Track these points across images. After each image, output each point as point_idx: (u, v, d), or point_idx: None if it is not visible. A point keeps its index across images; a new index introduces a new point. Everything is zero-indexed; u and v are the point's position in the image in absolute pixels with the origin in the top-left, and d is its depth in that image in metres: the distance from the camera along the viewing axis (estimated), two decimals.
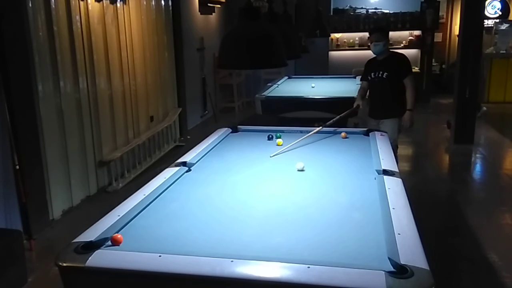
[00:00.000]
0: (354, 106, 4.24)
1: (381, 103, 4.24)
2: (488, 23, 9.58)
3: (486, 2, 9.36)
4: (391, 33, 5.40)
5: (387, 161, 2.70)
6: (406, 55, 4.26)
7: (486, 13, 9.17)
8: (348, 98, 4.70)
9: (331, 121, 3.66)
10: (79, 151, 4.45)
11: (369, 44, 4.29)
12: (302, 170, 2.68)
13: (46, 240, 3.72)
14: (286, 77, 7.12)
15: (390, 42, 6.14)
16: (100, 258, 1.62)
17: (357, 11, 9.80)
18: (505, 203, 4.40)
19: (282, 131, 3.53)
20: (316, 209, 2.12)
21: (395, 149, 3.78)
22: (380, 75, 4.16)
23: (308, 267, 1.48)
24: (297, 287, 1.44)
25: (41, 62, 3.87)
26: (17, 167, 3.49)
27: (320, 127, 3.52)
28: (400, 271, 1.47)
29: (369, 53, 4.41)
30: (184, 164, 2.77)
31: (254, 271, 1.50)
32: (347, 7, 9.89)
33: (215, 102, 8.31)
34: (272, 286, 1.48)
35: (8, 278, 2.99)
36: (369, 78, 4.27)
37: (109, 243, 1.75)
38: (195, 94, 7.62)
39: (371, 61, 4.34)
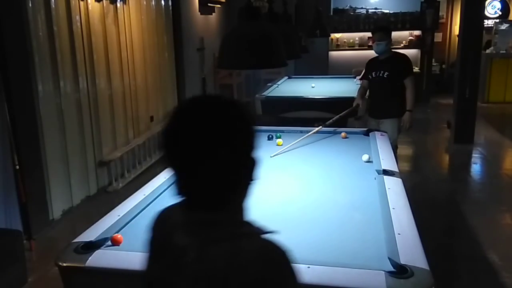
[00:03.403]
0: (354, 105, 4.25)
1: (382, 103, 4.24)
2: (488, 23, 9.58)
3: (486, 2, 9.35)
4: None
5: (387, 161, 2.70)
6: (407, 56, 4.26)
7: (486, 13, 9.17)
8: (348, 98, 4.70)
9: (331, 120, 3.66)
10: (79, 151, 4.45)
11: (370, 43, 4.29)
12: (369, 162, 2.75)
13: (46, 240, 3.71)
14: (286, 77, 7.12)
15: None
16: (100, 258, 1.62)
17: (357, 11, 9.80)
18: (505, 203, 4.40)
19: (282, 131, 3.53)
20: (316, 209, 2.12)
21: (395, 149, 3.78)
22: (381, 75, 4.16)
23: (308, 267, 1.48)
24: None
25: (41, 62, 3.86)
26: (17, 167, 3.49)
27: (320, 127, 3.52)
28: (400, 271, 1.47)
29: (369, 53, 4.41)
30: None
31: None
32: (347, 7, 9.88)
33: None
34: None
35: (8, 278, 2.99)
36: (370, 77, 4.27)
37: (109, 243, 1.75)
38: (195, 94, 7.60)
39: (372, 60, 4.33)
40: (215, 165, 0.89)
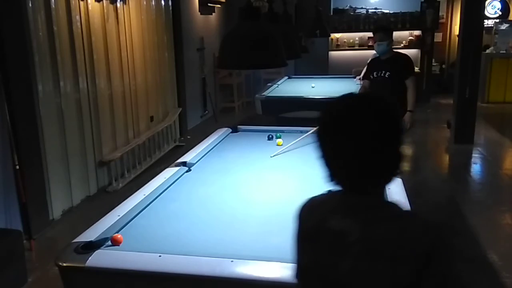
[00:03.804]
0: None
1: None
2: (488, 23, 9.58)
3: (486, 2, 9.36)
4: None
5: None
6: (408, 56, 4.26)
7: (486, 13, 9.17)
8: None
9: None
10: (79, 151, 4.45)
11: (370, 43, 4.29)
12: None
13: (46, 240, 3.72)
14: (286, 77, 7.13)
15: None
16: (100, 258, 1.62)
17: (357, 11, 9.79)
18: (505, 203, 4.40)
19: (282, 131, 3.54)
20: None
21: None
22: (382, 75, 4.16)
23: None
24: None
25: (41, 62, 3.87)
26: (17, 167, 3.49)
27: None
28: None
29: (369, 53, 4.41)
30: (184, 164, 2.77)
31: (254, 271, 1.50)
32: (347, 7, 9.87)
33: (215, 102, 8.31)
34: (272, 286, 1.48)
35: (8, 278, 2.99)
36: (372, 77, 4.27)
37: (109, 243, 1.75)
38: (195, 94, 7.62)
39: (374, 60, 4.33)
40: (373, 155, 1.02)
